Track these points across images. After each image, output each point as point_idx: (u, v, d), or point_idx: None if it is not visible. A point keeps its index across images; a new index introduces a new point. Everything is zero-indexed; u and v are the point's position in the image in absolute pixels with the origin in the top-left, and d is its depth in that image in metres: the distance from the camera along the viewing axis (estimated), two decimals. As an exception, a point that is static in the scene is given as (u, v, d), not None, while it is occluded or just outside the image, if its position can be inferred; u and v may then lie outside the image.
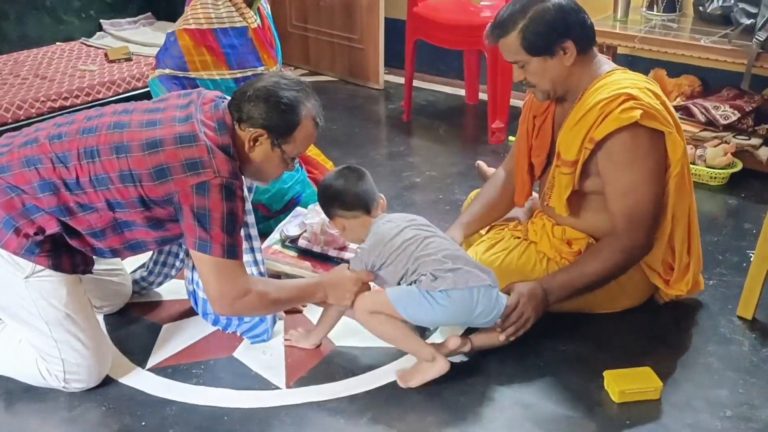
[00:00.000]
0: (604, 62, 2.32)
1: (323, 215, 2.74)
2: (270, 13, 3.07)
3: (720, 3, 3.68)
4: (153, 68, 2.93)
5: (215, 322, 2.44)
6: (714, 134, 3.58)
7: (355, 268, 2.24)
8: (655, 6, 3.91)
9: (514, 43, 2.21)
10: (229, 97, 2.17)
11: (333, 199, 2.25)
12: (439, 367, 2.17)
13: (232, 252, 2.04)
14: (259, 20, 2.92)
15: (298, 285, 2.28)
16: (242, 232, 2.33)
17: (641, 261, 2.39)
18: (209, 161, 1.99)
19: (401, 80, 4.50)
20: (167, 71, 2.84)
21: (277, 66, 2.93)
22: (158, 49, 2.92)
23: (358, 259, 2.24)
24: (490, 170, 2.84)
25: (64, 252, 2.11)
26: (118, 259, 2.52)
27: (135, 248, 2.19)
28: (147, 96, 2.75)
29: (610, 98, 2.18)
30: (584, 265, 2.30)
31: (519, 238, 2.51)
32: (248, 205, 2.35)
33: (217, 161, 2.00)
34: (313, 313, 2.52)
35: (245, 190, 2.32)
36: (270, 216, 2.95)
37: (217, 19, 2.81)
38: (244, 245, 2.35)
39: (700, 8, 3.78)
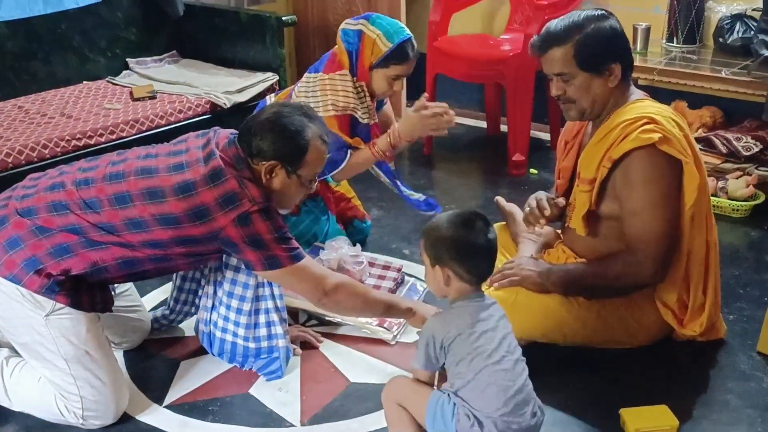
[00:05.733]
0: (637, 92, 2.38)
1: (340, 251, 2.77)
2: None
3: (740, 34, 3.68)
4: None
5: (231, 360, 2.45)
6: (736, 166, 3.55)
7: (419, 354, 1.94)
8: (674, 38, 3.90)
9: (566, 55, 2.24)
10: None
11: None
12: None
13: (298, 256, 2.15)
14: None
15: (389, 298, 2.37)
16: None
17: (656, 297, 2.38)
18: (243, 192, 2.06)
19: (423, 114, 4.51)
20: None
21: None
22: (183, 87, 2.91)
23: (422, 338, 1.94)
24: (509, 206, 2.84)
25: (84, 290, 2.15)
26: (137, 296, 2.58)
27: (165, 272, 2.32)
28: (170, 135, 2.79)
29: (632, 120, 2.23)
30: (588, 264, 2.39)
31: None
32: None
33: (249, 190, 2.08)
34: (328, 348, 2.54)
35: None
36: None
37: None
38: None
39: (720, 39, 3.77)
